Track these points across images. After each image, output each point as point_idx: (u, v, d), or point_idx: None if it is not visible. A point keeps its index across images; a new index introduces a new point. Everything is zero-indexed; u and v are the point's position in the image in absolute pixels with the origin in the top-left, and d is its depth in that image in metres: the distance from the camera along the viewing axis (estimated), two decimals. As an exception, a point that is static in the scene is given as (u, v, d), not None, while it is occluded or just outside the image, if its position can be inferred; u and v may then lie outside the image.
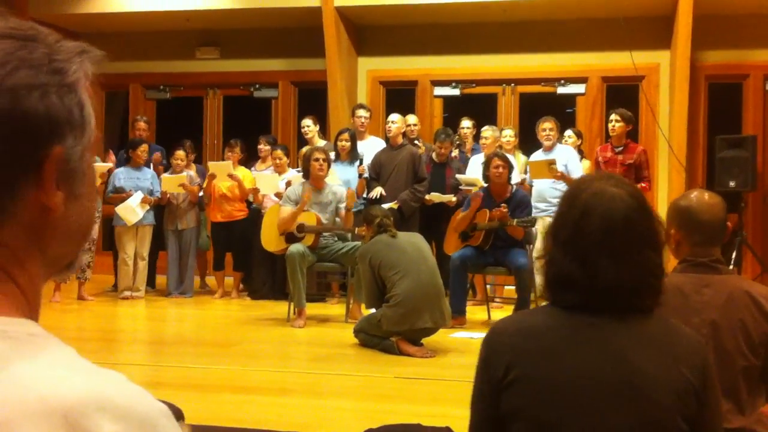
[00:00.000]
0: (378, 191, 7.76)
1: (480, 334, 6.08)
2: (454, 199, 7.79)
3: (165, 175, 8.32)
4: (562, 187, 7.41)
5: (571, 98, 9.64)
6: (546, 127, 7.71)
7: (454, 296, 6.58)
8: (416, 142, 8.39)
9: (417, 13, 9.20)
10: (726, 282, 2.37)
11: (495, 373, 1.61)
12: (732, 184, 8.11)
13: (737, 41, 8.97)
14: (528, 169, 7.77)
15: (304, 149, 7.81)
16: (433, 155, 8.13)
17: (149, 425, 0.68)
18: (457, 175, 7.90)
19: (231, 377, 4.76)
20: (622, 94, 9.24)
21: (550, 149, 7.70)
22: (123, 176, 8.18)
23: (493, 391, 1.61)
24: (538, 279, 6.81)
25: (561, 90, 9.58)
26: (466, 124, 8.63)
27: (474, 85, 9.79)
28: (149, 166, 8.49)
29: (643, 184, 7.10)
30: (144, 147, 8.30)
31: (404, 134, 8.19)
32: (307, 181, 6.98)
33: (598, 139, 9.13)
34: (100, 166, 7.90)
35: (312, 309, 7.02)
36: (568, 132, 8.31)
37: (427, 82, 9.85)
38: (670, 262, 2.31)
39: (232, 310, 7.81)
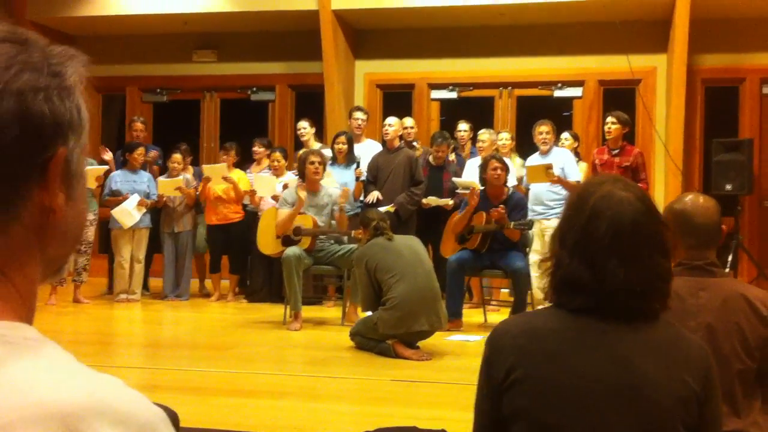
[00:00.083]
0: (375, 195, 7.76)
1: (476, 337, 6.09)
2: (451, 202, 7.79)
3: (161, 179, 8.31)
4: (559, 190, 7.42)
5: (568, 102, 9.65)
6: (543, 130, 7.72)
7: (450, 299, 6.59)
8: (414, 144, 8.39)
9: (414, 16, 9.21)
10: (722, 285, 2.38)
11: (497, 373, 1.60)
12: (728, 187, 8.12)
13: (734, 45, 8.99)
14: (525, 173, 7.78)
15: (300, 152, 7.81)
16: (430, 158, 8.13)
17: (148, 430, 0.68)
18: (454, 179, 7.89)
19: (227, 380, 4.74)
20: (619, 97, 9.25)
21: (546, 152, 7.71)
22: (120, 179, 8.16)
23: (496, 391, 1.60)
24: (535, 282, 6.82)
25: (558, 93, 9.59)
26: (463, 127, 8.63)
27: (471, 88, 9.80)
28: (146, 168, 8.48)
29: (639, 187, 7.10)
30: (141, 150, 8.28)
31: (401, 137, 8.18)
32: (302, 182, 6.99)
33: (595, 143, 9.14)
34: (98, 168, 7.89)
35: (308, 312, 7.02)
36: (565, 134, 8.30)
37: (424, 85, 9.85)
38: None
39: (229, 313, 7.80)
